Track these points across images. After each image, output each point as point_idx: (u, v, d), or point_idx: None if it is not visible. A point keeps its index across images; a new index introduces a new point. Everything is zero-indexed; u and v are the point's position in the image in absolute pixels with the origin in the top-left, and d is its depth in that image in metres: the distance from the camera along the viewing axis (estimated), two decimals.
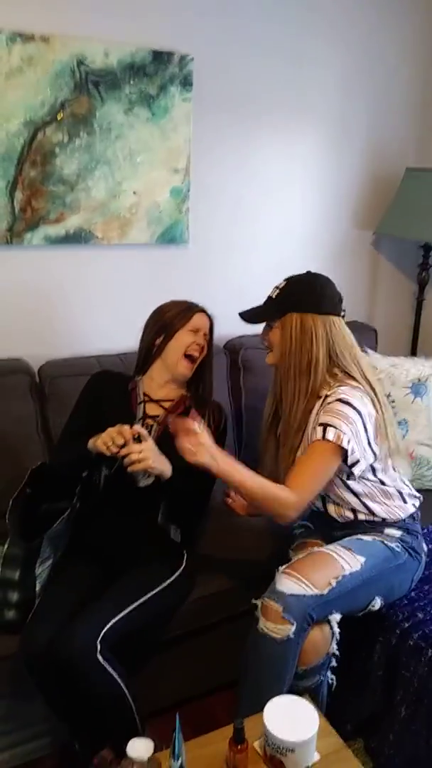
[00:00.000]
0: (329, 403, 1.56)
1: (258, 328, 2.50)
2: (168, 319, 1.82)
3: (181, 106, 2.18)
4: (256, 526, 1.93)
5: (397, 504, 1.70)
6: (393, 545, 1.64)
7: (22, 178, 2.02)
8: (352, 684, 1.70)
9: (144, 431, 1.56)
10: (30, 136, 1.99)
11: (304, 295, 1.63)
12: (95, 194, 2.14)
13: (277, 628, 1.45)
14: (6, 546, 1.60)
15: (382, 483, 1.68)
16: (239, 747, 1.25)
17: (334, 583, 1.51)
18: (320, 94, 2.48)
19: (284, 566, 1.54)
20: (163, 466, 1.56)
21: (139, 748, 1.14)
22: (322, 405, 1.59)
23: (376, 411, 1.60)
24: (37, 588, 1.60)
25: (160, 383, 1.83)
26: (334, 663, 1.60)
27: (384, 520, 1.68)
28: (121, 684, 1.47)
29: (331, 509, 1.71)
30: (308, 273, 1.68)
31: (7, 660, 1.56)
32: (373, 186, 2.71)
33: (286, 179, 2.52)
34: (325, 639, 1.54)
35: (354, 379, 1.61)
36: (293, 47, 2.37)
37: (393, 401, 2.33)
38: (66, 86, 2.00)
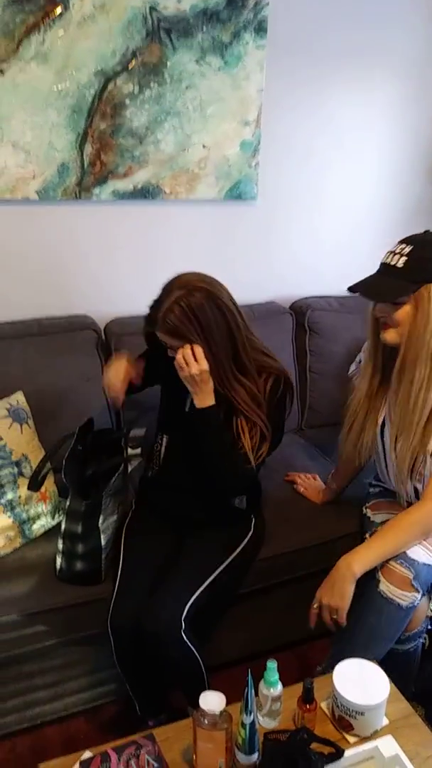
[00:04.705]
0: None
1: (327, 290, 2.45)
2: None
3: (254, 54, 2.09)
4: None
5: None
6: None
7: (92, 131, 1.98)
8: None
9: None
10: (101, 87, 1.95)
11: None
12: (164, 147, 2.09)
13: (405, 594, 1.44)
14: (68, 500, 1.64)
15: None
16: (308, 706, 1.25)
17: None
18: (403, 43, 2.33)
19: None
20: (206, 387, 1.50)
21: (212, 701, 1.13)
22: None
23: None
24: (103, 541, 1.62)
25: None
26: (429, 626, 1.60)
27: None
28: (199, 658, 1.51)
29: None
30: (429, 232, 1.47)
31: (78, 607, 1.59)
32: None
33: (361, 134, 2.40)
34: (427, 605, 1.55)
35: None
36: None
37: None
38: (138, 34, 1.94)
